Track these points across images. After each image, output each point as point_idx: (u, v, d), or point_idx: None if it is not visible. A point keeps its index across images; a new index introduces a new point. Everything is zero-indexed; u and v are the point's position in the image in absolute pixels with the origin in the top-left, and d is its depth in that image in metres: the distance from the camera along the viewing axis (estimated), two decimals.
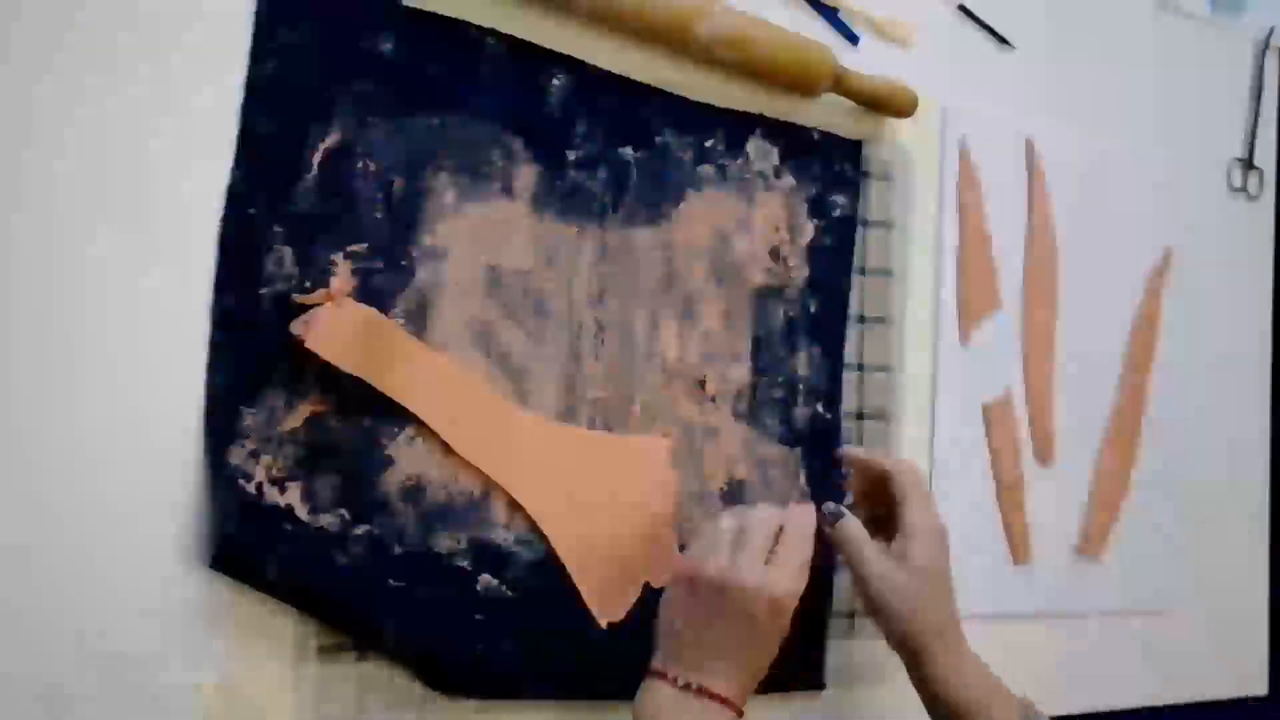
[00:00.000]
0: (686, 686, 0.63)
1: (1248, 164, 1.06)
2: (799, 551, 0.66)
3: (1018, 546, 0.91)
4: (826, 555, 0.80)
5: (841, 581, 0.81)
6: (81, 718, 0.59)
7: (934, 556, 0.70)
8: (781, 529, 0.66)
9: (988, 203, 0.90)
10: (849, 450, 0.78)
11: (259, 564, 0.62)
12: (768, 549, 0.65)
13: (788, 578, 0.64)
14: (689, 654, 0.64)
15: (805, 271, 0.81)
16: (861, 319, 0.83)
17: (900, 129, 0.86)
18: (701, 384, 0.77)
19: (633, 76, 0.75)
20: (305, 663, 0.64)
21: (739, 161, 0.79)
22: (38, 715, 0.58)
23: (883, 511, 0.73)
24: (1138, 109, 0.99)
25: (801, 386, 0.80)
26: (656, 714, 0.63)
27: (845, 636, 0.81)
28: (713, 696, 0.63)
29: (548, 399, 0.72)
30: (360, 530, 0.65)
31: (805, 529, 0.67)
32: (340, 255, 0.65)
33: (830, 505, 0.71)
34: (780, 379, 0.79)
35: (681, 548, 0.75)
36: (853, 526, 0.70)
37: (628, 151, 0.75)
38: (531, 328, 0.71)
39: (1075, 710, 0.93)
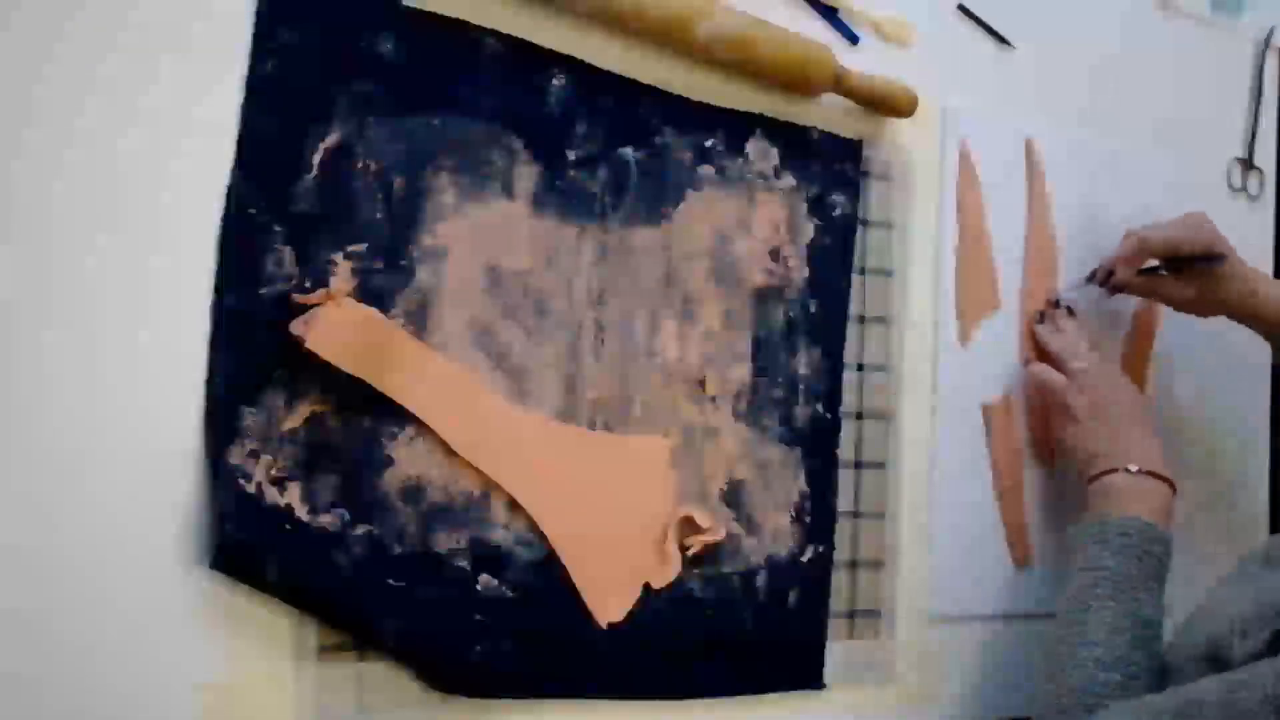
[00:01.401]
0: (1128, 472, 0.81)
1: (1248, 164, 1.06)
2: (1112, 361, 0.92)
3: (1018, 546, 0.91)
4: (825, 557, 0.80)
5: (841, 582, 0.81)
6: (81, 717, 0.59)
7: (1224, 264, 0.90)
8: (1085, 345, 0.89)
9: (988, 203, 0.90)
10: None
11: (259, 564, 0.62)
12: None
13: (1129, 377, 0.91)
14: (1120, 450, 0.82)
15: (805, 271, 0.81)
16: (861, 319, 0.83)
17: (900, 129, 0.86)
18: (701, 384, 0.77)
19: (633, 76, 0.75)
20: (305, 663, 0.64)
21: (739, 161, 0.79)
22: (37, 714, 0.58)
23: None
24: (1138, 109, 0.99)
25: (801, 386, 0.80)
26: (1116, 496, 0.80)
27: (845, 637, 0.81)
28: (1149, 474, 0.81)
29: (548, 399, 0.72)
30: (360, 530, 0.65)
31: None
32: (340, 255, 0.65)
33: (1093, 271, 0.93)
34: (780, 379, 0.79)
35: (683, 549, 0.75)
36: (1141, 280, 0.92)
37: (628, 151, 0.75)
38: (531, 328, 0.71)
39: None
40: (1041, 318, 0.92)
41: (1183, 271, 0.91)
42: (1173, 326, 1.00)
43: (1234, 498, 1.04)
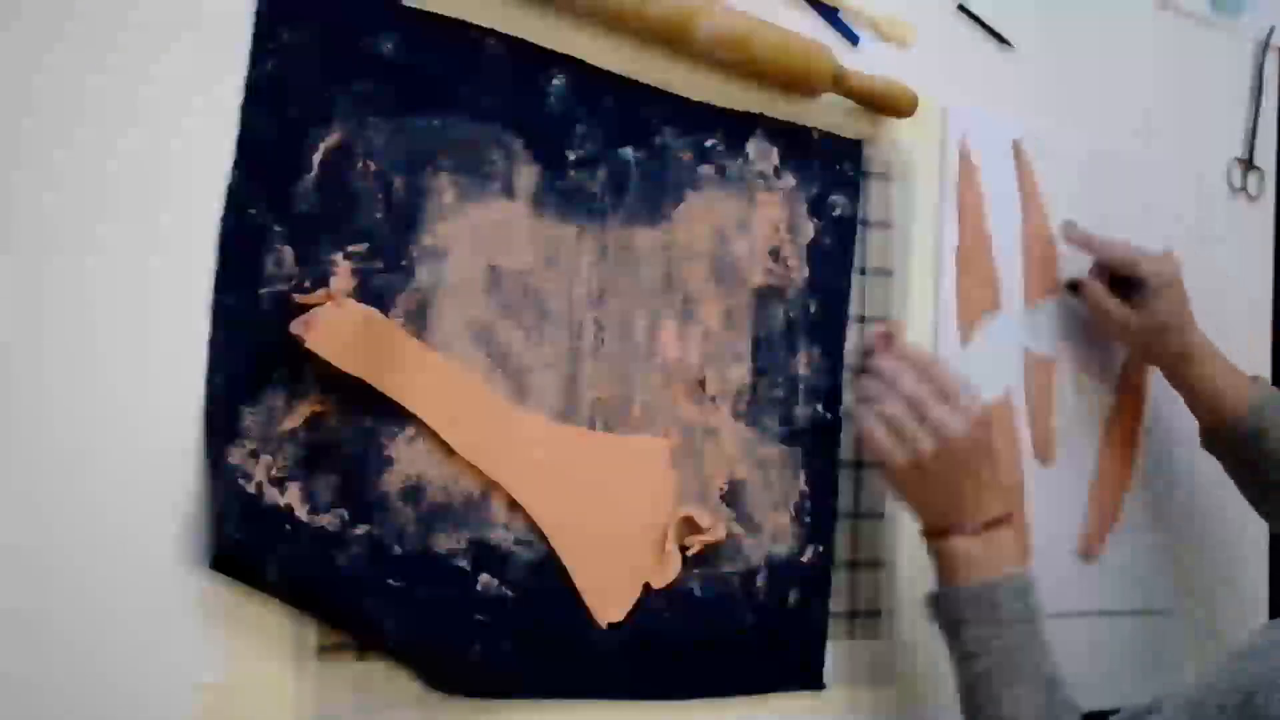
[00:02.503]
0: (972, 529, 0.75)
1: (1248, 164, 1.06)
2: (951, 378, 0.76)
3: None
4: (825, 557, 0.80)
5: (841, 582, 0.81)
6: (81, 717, 0.59)
7: (1169, 299, 0.88)
8: (908, 381, 0.77)
9: (988, 203, 0.90)
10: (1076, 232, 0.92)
11: (259, 564, 0.62)
12: (942, 396, 0.75)
13: (969, 401, 0.76)
14: (956, 505, 0.75)
15: (805, 271, 0.81)
16: (861, 319, 0.83)
17: (900, 129, 0.86)
18: (701, 384, 0.77)
19: (633, 76, 0.75)
20: (305, 663, 0.64)
21: (739, 161, 0.79)
22: (37, 714, 0.58)
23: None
24: (1138, 109, 0.99)
25: (801, 386, 0.80)
26: (956, 559, 0.74)
27: (845, 637, 0.81)
28: (994, 523, 0.75)
29: (548, 399, 0.72)
30: (360, 530, 0.65)
31: (923, 366, 0.77)
32: (340, 255, 0.65)
33: (1069, 279, 0.92)
34: (780, 379, 0.79)
35: (683, 549, 0.75)
36: (1095, 285, 0.90)
37: (628, 151, 0.75)
38: (531, 328, 0.71)
39: None
40: (870, 351, 0.82)
41: (1130, 298, 0.89)
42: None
43: (1234, 498, 1.04)
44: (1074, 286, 0.93)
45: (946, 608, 0.75)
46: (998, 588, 0.74)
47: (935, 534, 0.76)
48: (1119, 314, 0.89)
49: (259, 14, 0.64)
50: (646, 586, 0.74)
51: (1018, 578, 0.74)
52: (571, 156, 0.73)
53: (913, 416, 0.75)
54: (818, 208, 0.82)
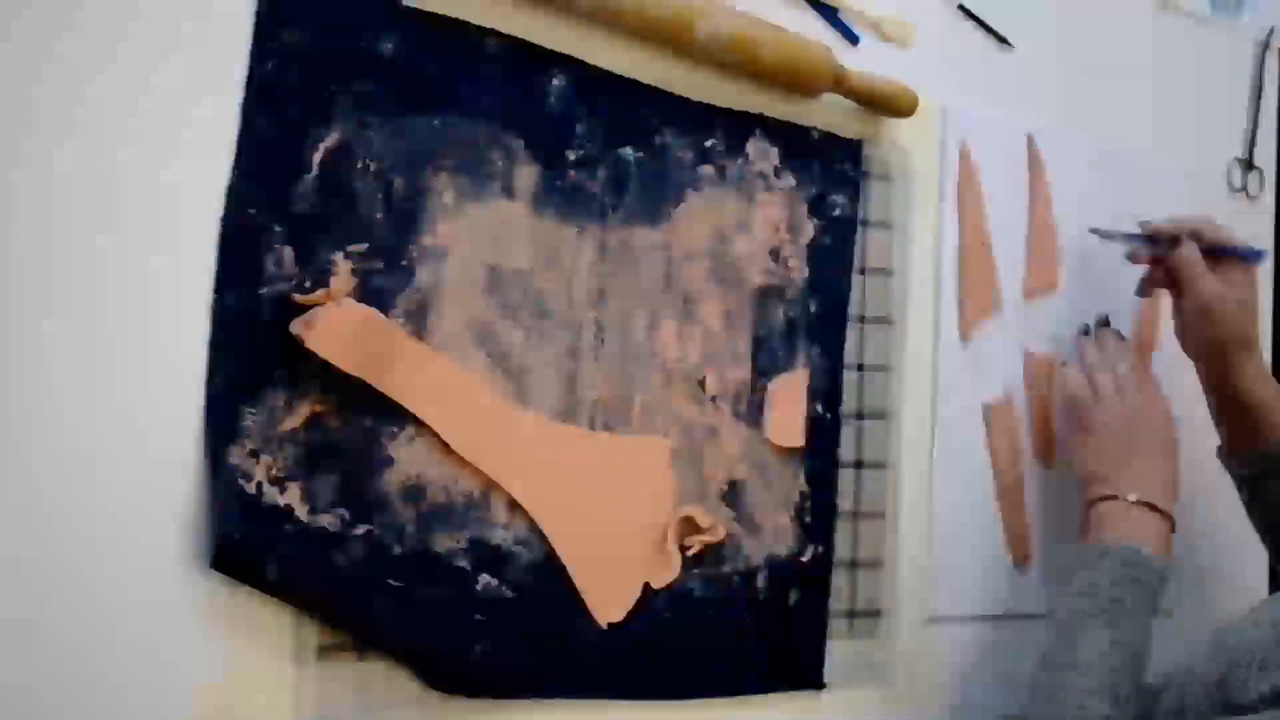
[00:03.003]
0: (1130, 501, 0.79)
1: (1248, 164, 1.06)
2: (1150, 376, 0.88)
3: (1018, 546, 0.91)
4: (825, 557, 0.80)
5: (841, 582, 0.81)
6: (81, 717, 0.59)
7: (1250, 288, 0.88)
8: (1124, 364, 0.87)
9: (988, 202, 0.90)
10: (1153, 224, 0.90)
11: (259, 564, 0.62)
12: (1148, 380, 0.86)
13: (1163, 398, 0.87)
14: (1125, 477, 0.81)
15: (805, 271, 0.81)
16: (861, 319, 0.83)
17: (900, 129, 0.86)
18: (701, 384, 0.77)
19: (633, 76, 0.75)
20: (305, 663, 0.64)
21: (739, 162, 0.79)
22: (37, 714, 0.58)
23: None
24: (1138, 109, 0.99)
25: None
26: (1111, 523, 0.79)
27: (845, 636, 0.81)
28: (1153, 508, 0.80)
29: (548, 399, 0.72)
30: (360, 530, 0.65)
31: (1134, 360, 0.89)
32: (340, 255, 0.65)
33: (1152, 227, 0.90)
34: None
35: (683, 549, 0.75)
36: (1191, 250, 0.86)
37: (628, 151, 0.75)
38: (531, 328, 0.71)
39: None
40: (1087, 330, 0.91)
41: (1219, 264, 0.87)
42: (1173, 330, 1.00)
43: (1234, 498, 1.04)
44: (1173, 243, 0.87)
45: (1075, 554, 0.79)
46: (1125, 549, 0.77)
47: (1094, 502, 0.81)
48: (1207, 282, 0.85)
49: (259, 14, 0.64)
50: (646, 586, 0.74)
51: (1149, 553, 0.77)
52: (571, 156, 0.73)
53: (1117, 391, 0.85)
54: (818, 208, 0.82)
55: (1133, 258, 0.90)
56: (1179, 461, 0.85)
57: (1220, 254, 0.87)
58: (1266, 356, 1.06)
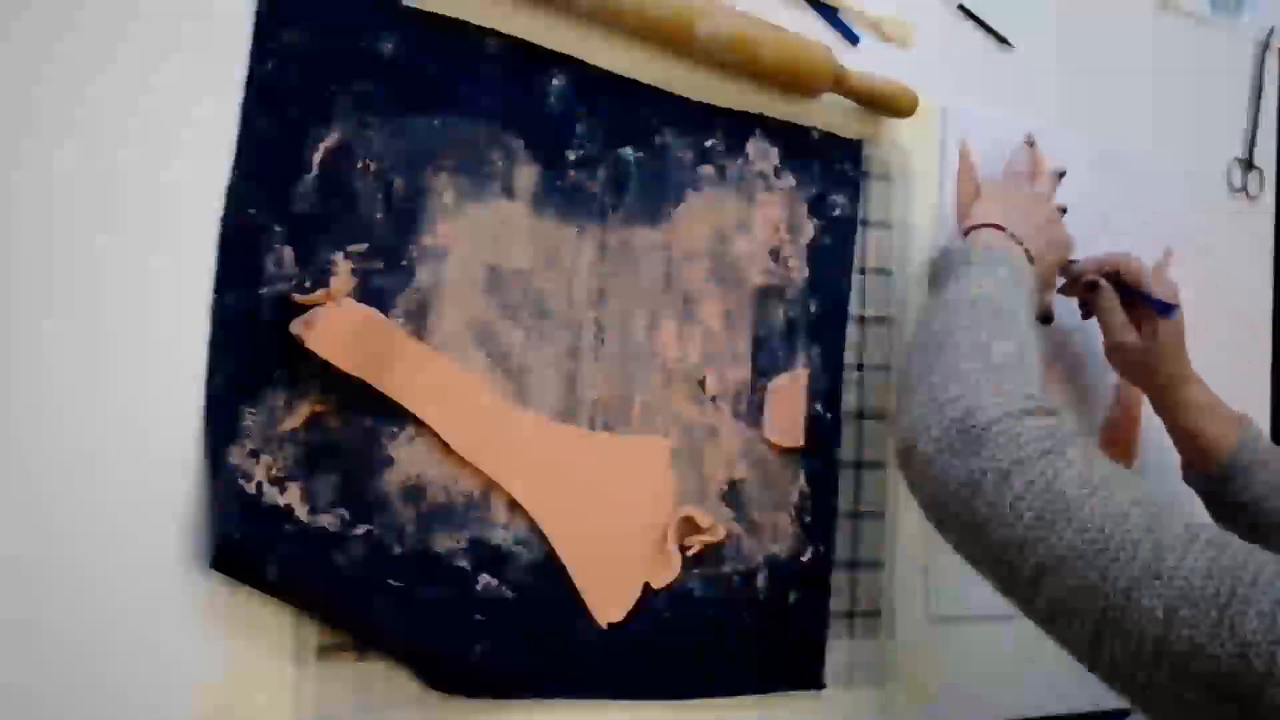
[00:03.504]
0: (1012, 237, 0.77)
1: (1248, 164, 1.06)
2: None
3: None
4: (825, 557, 0.80)
5: (841, 582, 0.81)
6: (82, 717, 0.59)
7: (1170, 330, 0.87)
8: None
9: None
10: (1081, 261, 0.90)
11: (259, 564, 0.62)
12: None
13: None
14: (1025, 230, 0.78)
15: (805, 271, 0.81)
16: (861, 319, 0.83)
17: (900, 129, 0.86)
18: (701, 384, 0.77)
19: (633, 76, 0.75)
20: (305, 663, 0.64)
21: (739, 162, 0.79)
22: (37, 714, 0.58)
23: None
24: (1138, 109, 0.99)
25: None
26: (990, 243, 0.76)
27: (845, 636, 0.81)
28: (1028, 253, 0.77)
29: (548, 399, 0.72)
30: (360, 530, 0.65)
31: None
32: (340, 255, 0.65)
33: (1087, 277, 0.89)
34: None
35: (683, 549, 0.75)
36: (1107, 297, 0.87)
37: (628, 151, 0.75)
38: (531, 328, 0.71)
39: (1075, 710, 0.92)
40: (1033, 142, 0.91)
41: (1134, 308, 0.88)
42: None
43: None
44: (1091, 286, 0.89)
45: (952, 250, 0.77)
46: (1015, 255, 0.75)
47: (979, 226, 0.79)
48: (1123, 331, 0.87)
49: (259, 14, 0.64)
50: (646, 586, 0.74)
51: (1020, 255, 0.76)
52: (571, 156, 0.73)
53: (1048, 174, 0.87)
54: (818, 208, 0.82)
55: (1064, 292, 0.91)
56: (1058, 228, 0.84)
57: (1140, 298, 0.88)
58: (1266, 360, 1.07)
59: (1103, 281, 0.88)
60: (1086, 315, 0.92)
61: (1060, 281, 0.90)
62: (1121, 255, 0.88)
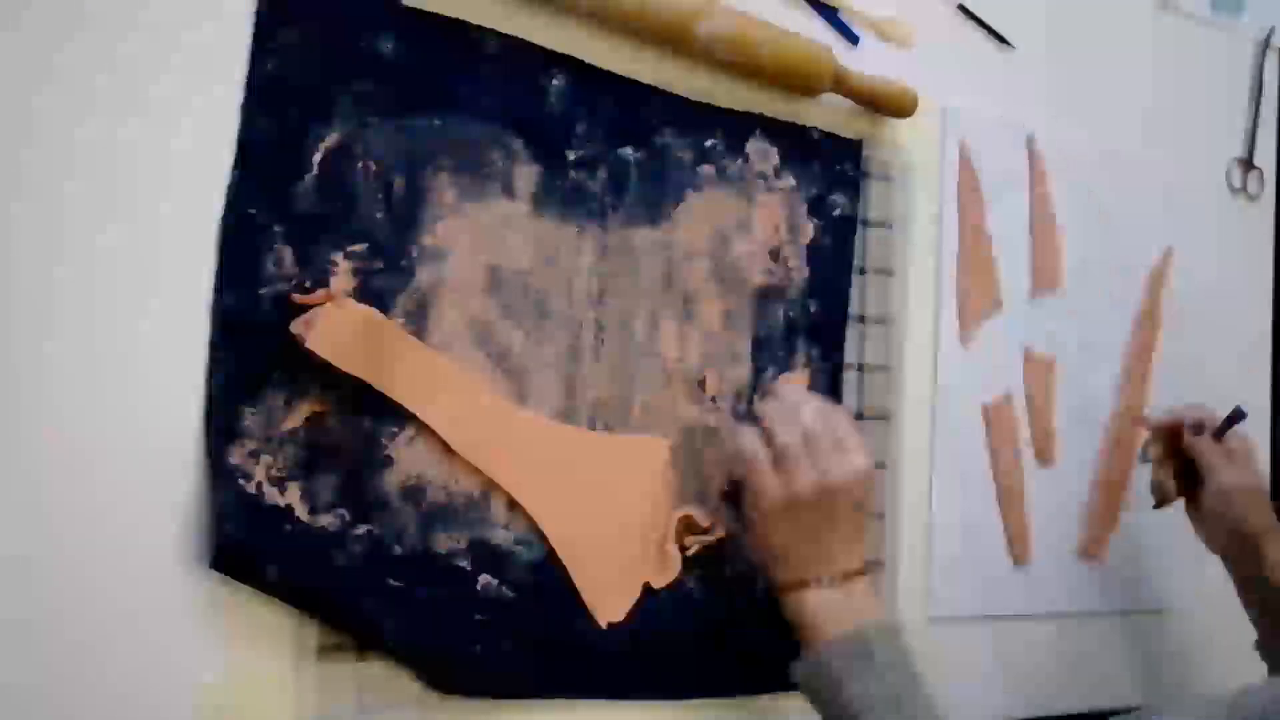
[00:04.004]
0: (831, 581, 0.70)
1: (1248, 164, 1.06)
2: (850, 426, 0.72)
3: (1018, 546, 0.91)
4: None
5: None
6: (81, 717, 0.59)
7: (1255, 466, 0.87)
8: (808, 413, 0.72)
9: (988, 202, 0.90)
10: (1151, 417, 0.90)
11: (259, 564, 0.62)
12: (836, 441, 0.71)
13: (862, 452, 0.72)
14: (819, 553, 0.70)
15: (805, 271, 0.81)
16: (861, 319, 0.83)
17: (900, 129, 0.86)
18: (701, 384, 0.77)
19: (633, 76, 0.75)
20: (305, 663, 0.64)
21: (739, 162, 0.79)
22: (37, 714, 0.58)
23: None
24: (1138, 109, 0.99)
25: None
26: (819, 613, 0.69)
27: None
28: (853, 575, 0.71)
29: (548, 399, 0.72)
30: (360, 530, 0.65)
31: (826, 407, 0.73)
32: (340, 255, 0.65)
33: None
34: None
35: (683, 549, 0.75)
36: (1205, 440, 0.87)
37: (628, 151, 0.75)
38: (531, 328, 0.71)
39: (1075, 710, 0.93)
40: (765, 393, 0.78)
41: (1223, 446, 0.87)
42: (1173, 326, 1.00)
43: None
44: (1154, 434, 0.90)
45: (819, 669, 0.68)
46: (866, 631, 0.68)
47: (791, 587, 0.71)
48: (1228, 474, 0.86)
49: (259, 14, 0.64)
50: (646, 586, 0.74)
51: (885, 622, 0.70)
52: (571, 156, 0.73)
53: (804, 452, 0.70)
54: (818, 208, 0.82)
55: (1143, 456, 0.92)
56: (868, 506, 0.75)
57: (1218, 434, 0.88)
58: (1266, 360, 1.07)
59: (1188, 428, 0.88)
60: (1144, 459, 0.91)
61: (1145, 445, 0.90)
62: (1193, 406, 0.88)
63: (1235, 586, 0.88)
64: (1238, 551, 0.86)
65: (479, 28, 0.70)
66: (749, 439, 0.71)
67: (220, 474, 0.61)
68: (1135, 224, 0.98)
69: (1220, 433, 0.88)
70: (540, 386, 0.71)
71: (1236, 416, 0.89)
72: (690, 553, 0.75)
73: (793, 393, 0.74)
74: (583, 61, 0.73)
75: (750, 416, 0.75)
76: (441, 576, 0.67)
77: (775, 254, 0.80)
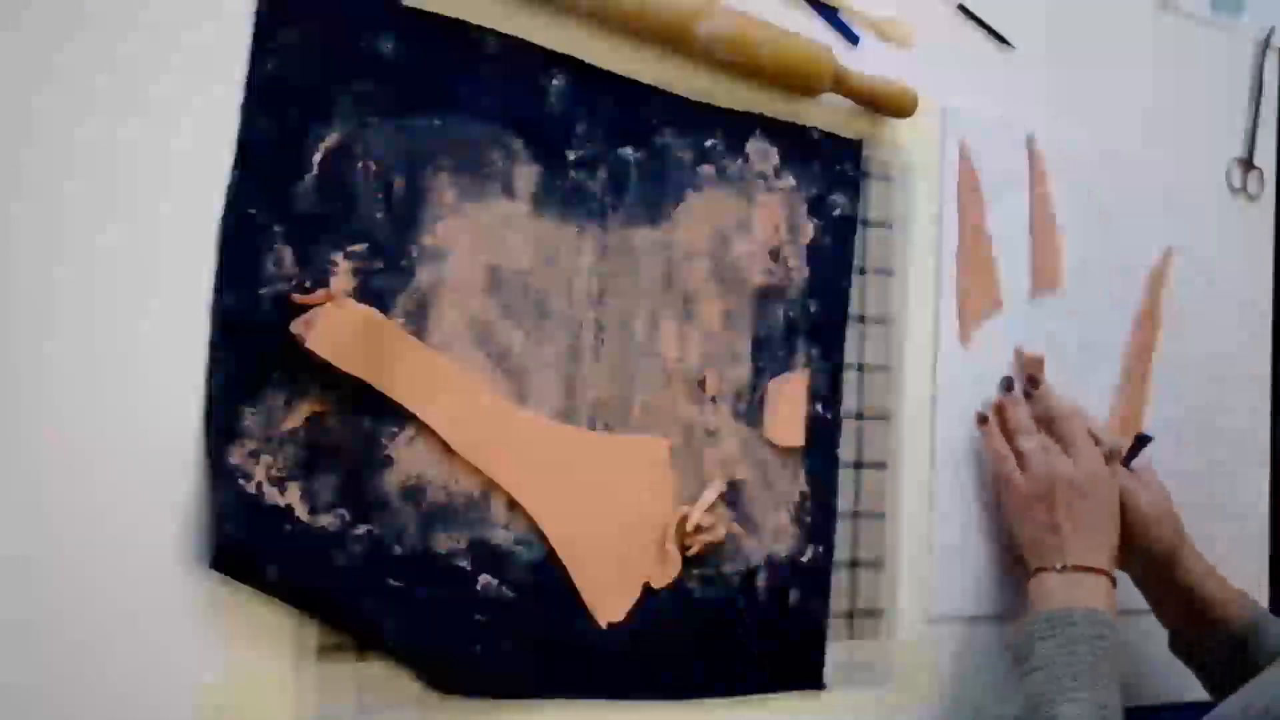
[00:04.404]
0: (1062, 570, 0.79)
1: (1248, 164, 1.06)
2: (1080, 432, 0.84)
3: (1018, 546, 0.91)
4: (825, 557, 0.80)
5: (841, 582, 0.81)
6: (81, 717, 0.59)
7: (1159, 483, 0.89)
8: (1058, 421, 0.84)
9: (988, 202, 0.90)
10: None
11: (259, 564, 0.62)
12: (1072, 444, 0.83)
13: (1088, 455, 0.82)
14: (1054, 544, 0.80)
15: (805, 271, 0.81)
16: (861, 319, 0.83)
17: (900, 129, 0.86)
18: (701, 384, 0.77)
19: (633, 76, 0.75)
20: (305, 663, 0.64)
21: (739, 162, 0.79)
22: (37, 714, 0.58)
23: None
24: (1138, 109, 0.99)
25: None
26: (1043, 595, 0.78)
27: (845, 636, 0.81)
28: (1084, 569, 0.78)
29: (548, 399, 0.72)
30: (360, 530, 0.65)
31: (1065, 410, 0.86)
32: (340, 255, 0.65)
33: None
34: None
35: (683, 549, 0.75)
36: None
37: (628, 151, 0.75)
38: (531, 328, 0.71)
39: None
40: (1010, 386, 0.89)
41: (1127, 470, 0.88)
42: (1173, 326, 1.00)
43: (1234, 498, 1.04)
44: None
45: (1023, 636, 0.77)
46: (1074, 611, 0.76)
47: (1031, 573, 0.81)
48: (1140, 497, 0.86)
49: (259, 14, 0.64)
50: (646, 586, 0.74)
51: (1096, 610, 0.76)
52: (571, 156, 0.73)
53: (1041, 455, 0.82)
54: (818, 208, 0.82)
55: None
56: (1116, 519, 0.83)
57: (1127, 460, 0.89)
58: (1266, 360, 1.07)
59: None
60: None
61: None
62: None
63: (1150, 605, 0.89)
64: (1155, 570, 0.87)
65: (479, 28, 0.70)
66: (997, 442, 0.85)
67: (220, 474, 0.61)
68: (1135, 224, 0.98)
69: (1129, 459, 0.89)
70: (540, 386, 0.71)
71: (1142, 441, 0.90)
72: (690, 553, 0.75)
73: (1039, 405, 0.86)
74: (583, 61, 0.73)
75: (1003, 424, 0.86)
76: (441, 576, 0.67)
77: (775, 254, 0.80)
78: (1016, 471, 0.83)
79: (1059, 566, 0.79)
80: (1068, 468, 0.81)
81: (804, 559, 0.79)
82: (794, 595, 0.79)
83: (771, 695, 0.78)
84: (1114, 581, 0.80)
